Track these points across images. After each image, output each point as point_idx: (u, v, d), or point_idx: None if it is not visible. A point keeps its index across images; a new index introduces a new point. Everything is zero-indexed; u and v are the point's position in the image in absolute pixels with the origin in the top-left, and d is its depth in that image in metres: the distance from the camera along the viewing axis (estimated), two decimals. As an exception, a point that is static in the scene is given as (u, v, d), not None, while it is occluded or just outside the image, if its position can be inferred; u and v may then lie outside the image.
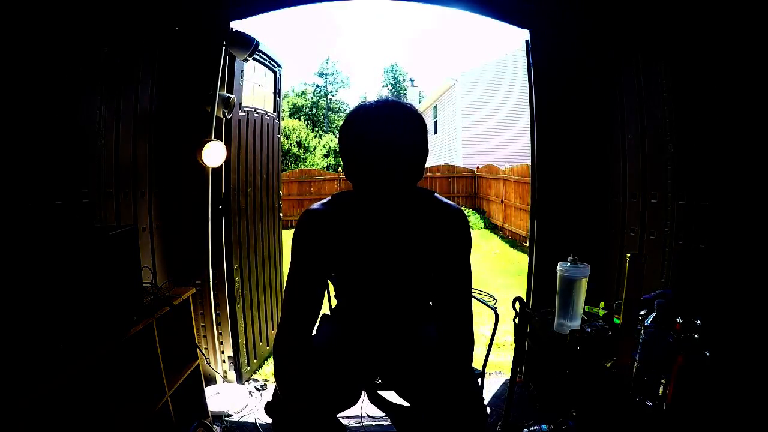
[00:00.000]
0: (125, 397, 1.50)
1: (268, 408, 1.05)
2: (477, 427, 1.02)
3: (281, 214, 2.99)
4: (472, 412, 1.02)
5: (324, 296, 1.15)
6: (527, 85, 2.25)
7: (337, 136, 1.05)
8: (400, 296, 1.20)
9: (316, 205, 1.12)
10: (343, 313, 1.32)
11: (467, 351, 1.09)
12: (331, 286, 1.31)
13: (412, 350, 1.20)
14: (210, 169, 2.09)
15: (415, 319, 1.28)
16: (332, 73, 33.43)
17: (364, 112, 0.99)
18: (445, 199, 1.12)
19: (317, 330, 1.34)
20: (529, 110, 2.26)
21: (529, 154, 2.31)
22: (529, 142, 2.29)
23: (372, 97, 1.07)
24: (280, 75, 2.79)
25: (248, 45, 2.07)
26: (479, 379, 1.52)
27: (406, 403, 1.17)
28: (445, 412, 1.01)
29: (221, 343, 2.28)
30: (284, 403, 1.02)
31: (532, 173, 2.25)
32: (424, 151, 1.00)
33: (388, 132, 0.95)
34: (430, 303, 1.36)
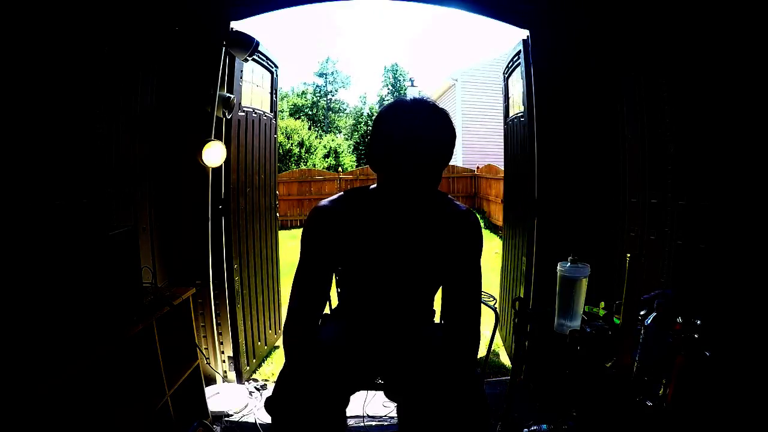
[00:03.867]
0: (125, 397, 1.50)
1: (268, 404, 1.06)
2: (479, 427, 1.02)
3: (278, 214, 2.99)
4: (475, 413, 1.02)
5: (329, 293, 1.16)
6: (524, 86, 2.25)
7: (371, 126, 1.05)
8: (405, 296, 1.20)
9: (325, 202, 1.12)
10: (345, 312, 1.32)
11: (473, 353, 1.09)
12: (333, 285, 1.31)
13: (415, 351, 1.20)
14: (210, 169, 2.10)
15: (418, 319, 1.28)
16: (332, 73, 33.42)
17: (403, 109, 0.98)
18: (456, 201, 1.12)
19: (318, 330, 1.34)
20: (527, 110, 2.26)
21: (502, 154, 2.31)
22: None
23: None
24: (276, 75, 2.79)
25: (248, 45, 2.07)
26: (480, 379, 1.52)
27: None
28: (448, 413, 1.01)
29: (221, 343, 2.28)
30: (289, 396, 1.02)
31: (532, 173, 2.25)
32: (450, 157, 1.01)
33: (425, 133, 0.95)
34: (433, 303, 1.37)
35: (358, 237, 1.10)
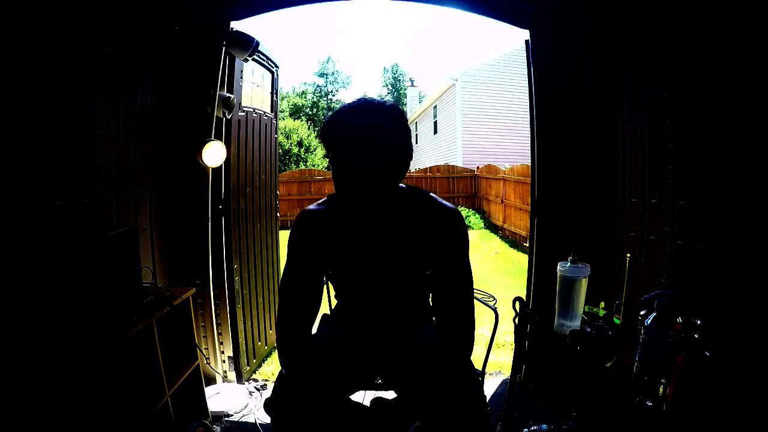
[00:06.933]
0: (125, 397, 1.50)
1: (267, 405, 1.06)
2: (479, 427, 1.02)
3: (279, 214, 3.00)
4: (473, 412, 1.02)
5: (322, 296, 1.16)
6: (527, 85, 2.25)
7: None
8: (397, 296, 1.20)
9: (312, 206, 1.13)
10: (342, 313, 1.32)
11: (467, 351, 1.09)
12: (331, 286, 1.32)
13: (412, 350, 1.20)
14: (210, 169, 2.10)
15: (414, 318, 1.28)
16: (332, 73, 33.45)
17: (335, 114, 1.00)
18: (441, 200, 1.11)
19: (317, 330, 1.34)
20: (528, 110, 2.26)
21: (529, 154, 2.31)
22: (529, 142, 2.29)
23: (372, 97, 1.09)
24: (277, 75, 2.79)
25: (248, 45, 2.07)
26: (479, 379, 1.52)
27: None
28: (446, 413, 1.01)
29: (221, 343, 2.28)
30: (288, 398, 1.02)
31: (532, 173, 2.25)
32: (399, 144, 1.00)
33: (355, 129, 0.95)
34: (430, 302, 1.37)
35: (345, 239, 1.10)
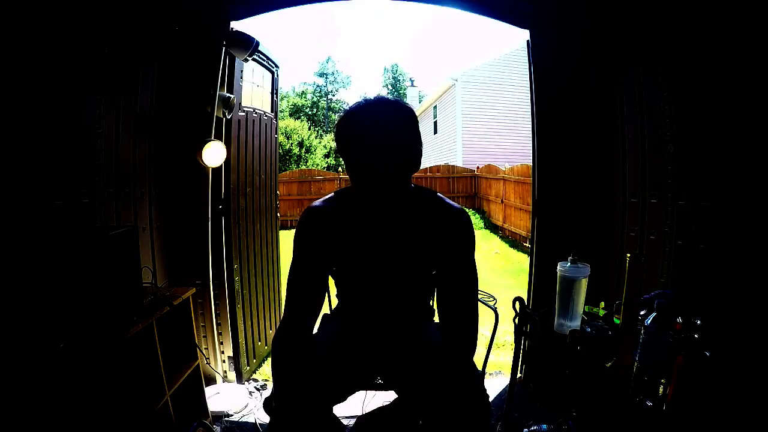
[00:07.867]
0: (125, 397, 1.50)
1: (267, 405, 1.06)
2: (480, 427, 1.02)
3: (279, 214, 3.00)
4: (475, 412, 1.02)
5: (326, 293, 1.16)
6: (528, 85, 2.26)
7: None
8: (401, 295, 1.20)
9: (317, 202, 1.13)
10: (343, 312, 1.32)
11: (470, 350, 1.09)
12: (331, 284, 1.32)
13: (413, 350, 1.20)
14: (210, 169, 2.09)
15: (416, 318, 1.28)
16: (332, 73, 33.42)
17: (351, 112, 1.01)
18: (448, 200, 1.12)
19: (318, 329, 1.34)
20: (530, 110, 2.26)
21: (529, 154, 2.31)
22: (530, 141, 2.29)
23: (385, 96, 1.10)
24: (277, 75, 2.79)
25: (248, 45, 2.07)
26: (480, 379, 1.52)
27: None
28: (448, 412, 1.01)
29: (221, 343, 2.28)
30: (279, 397, 1.02)
31: (533, 173, 2.25)
32: (414, 144, 1.01)
33: (373, 128, 0.97)
34: (431, 302, 1.37)
35: (350, 236, 1.10)
